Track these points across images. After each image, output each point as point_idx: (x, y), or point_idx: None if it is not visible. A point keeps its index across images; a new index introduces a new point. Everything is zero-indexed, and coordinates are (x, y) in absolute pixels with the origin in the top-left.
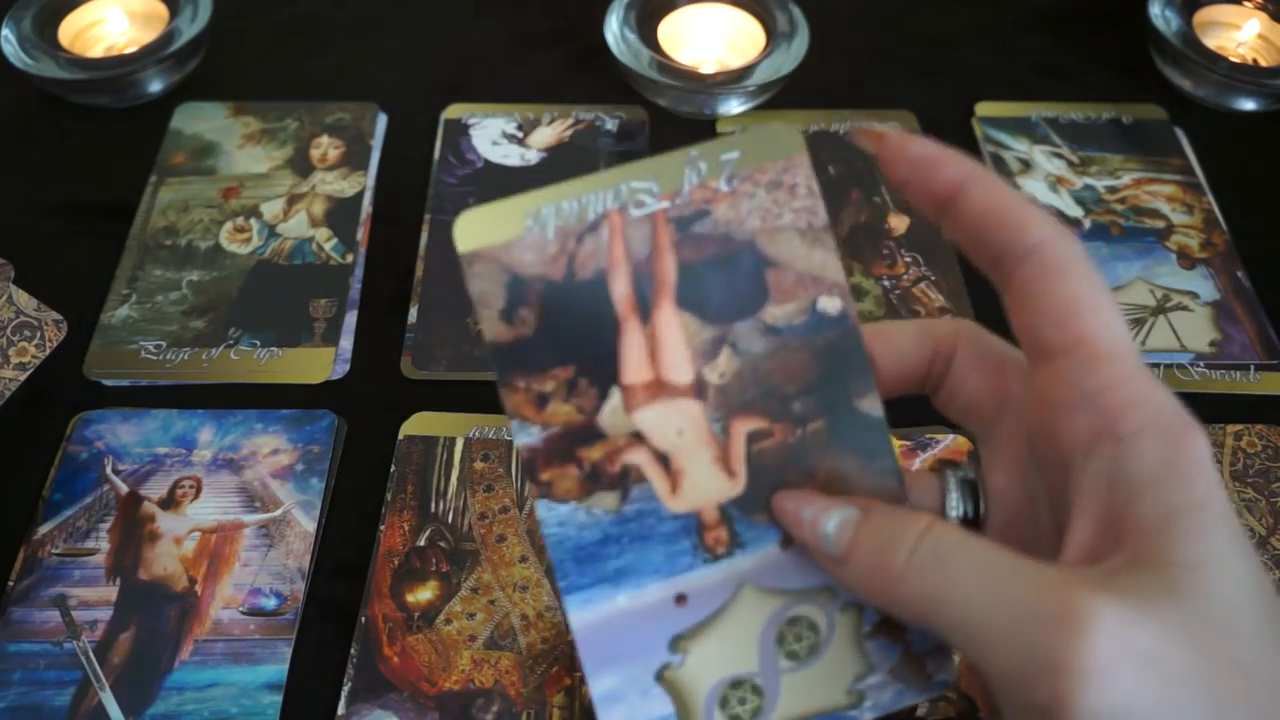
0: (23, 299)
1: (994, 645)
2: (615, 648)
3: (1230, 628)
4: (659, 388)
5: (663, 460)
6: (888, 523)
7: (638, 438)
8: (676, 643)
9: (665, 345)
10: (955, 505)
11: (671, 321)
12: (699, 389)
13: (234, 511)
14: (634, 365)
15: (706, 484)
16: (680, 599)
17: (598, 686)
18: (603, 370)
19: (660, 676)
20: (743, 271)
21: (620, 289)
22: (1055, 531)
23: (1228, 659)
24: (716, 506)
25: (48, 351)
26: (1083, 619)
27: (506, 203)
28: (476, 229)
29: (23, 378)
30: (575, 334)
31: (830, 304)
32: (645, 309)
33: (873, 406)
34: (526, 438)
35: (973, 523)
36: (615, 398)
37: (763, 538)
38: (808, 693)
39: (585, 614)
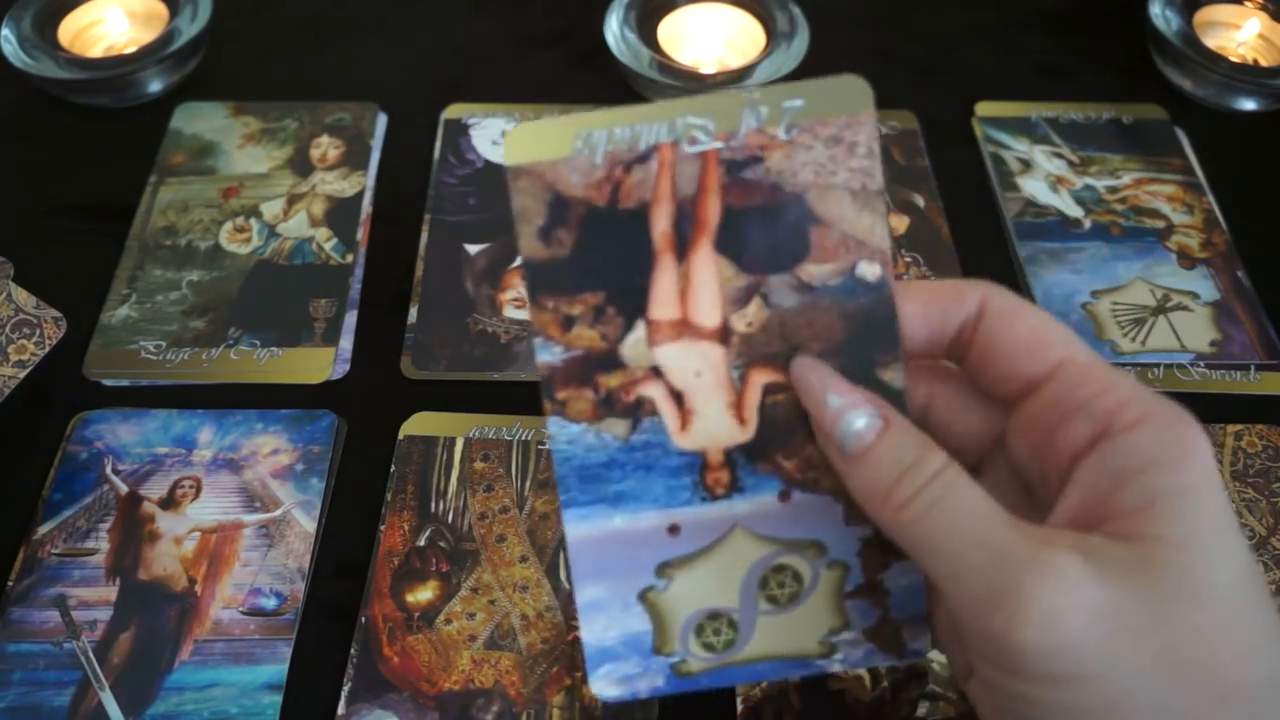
0: (22, 296)
1: (965, 577)
2: (604, 564)
3: (1199, 600)
4: (684, 327)
5: (677, 397)
6: (908, 445)
7: (656, 372)
8: (663, 569)
9: (697, 286)
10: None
11: (707, 264)
12: (724, 335)
13: (234, 511)
14: (663, 301)
15: (716, 427)
16: (673, 529)
17: (582, 596)
18: (632, 301)
19: (643, 596)
20: (787, 224)
21: (661, 224)
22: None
23: (1188, 626)
24: (722, 450)
25: (47, 349)
26: (1047, 565)
27: (560, 120)
28: (526, 144)
29: (22, 375)
30: (609, 261)
31: (870, 270)
32: (683, 248)
33: (894, 379)
34: (548, 356)
35: None
36: (640, 330)
37: (763, 486)
38: (781, 636)
39: (581, 528)
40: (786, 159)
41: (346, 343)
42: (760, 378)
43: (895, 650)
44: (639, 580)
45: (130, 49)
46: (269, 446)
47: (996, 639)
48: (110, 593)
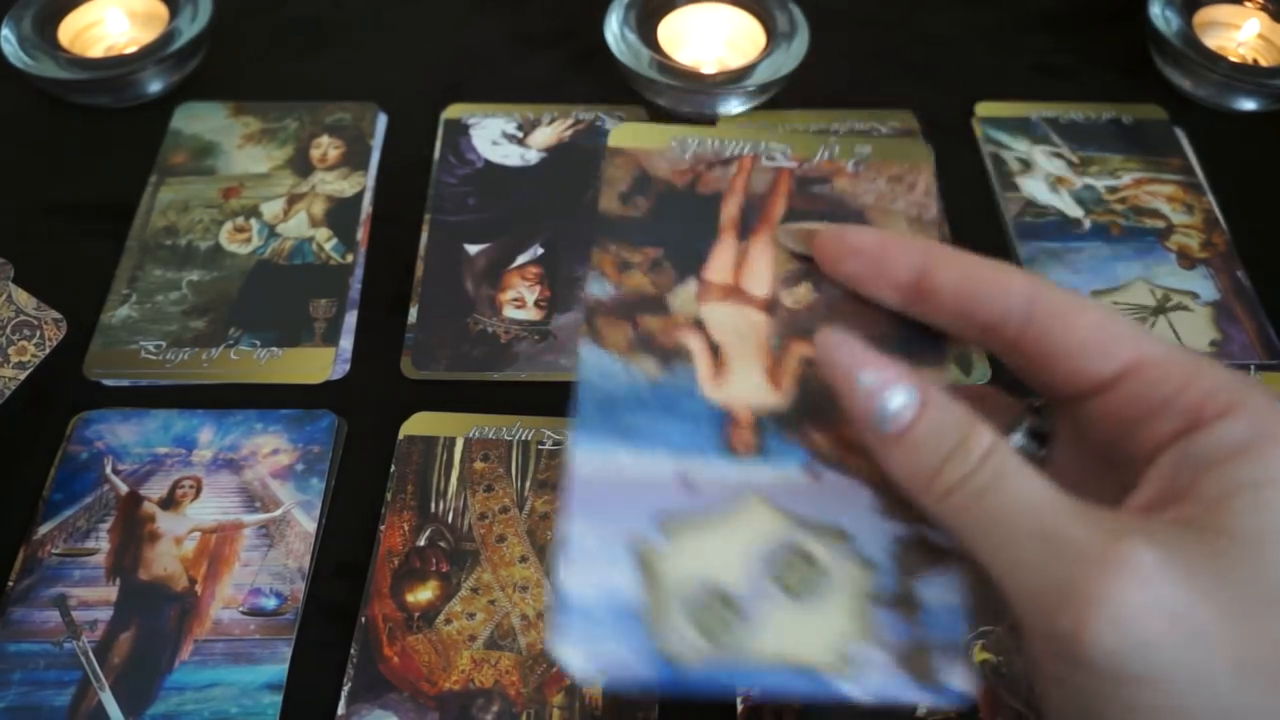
0: (22, 298)
1: (1022, 571)
2: (603, 503)
3: (1274, 601)
4: (734, 292)
5: (714, 350)
6: (951, 424)
7: (698, 325)
8: (666, 525)
9: (753, 261)
10: (1020, 440)
11: (765, 248)
12: (771, 306)
13: (234, 511)
14: (720, 266)
15: (750, 386)
16: (684, 481)
17: (569, 534)
18: (689, 260)
19: (636, 551)
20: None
21: (730, 210)
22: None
23: (1263, 628)
24: (752, 410)
25: (47, 350)
26: (1120, 559)
27: (660, 126)
28: (628, 136)
29: (22, 376)
30: (676, 228)
31: None
32: (745, 232)
33: (937, 377)
34: (598, 290)
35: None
36: (691, 285)
37: (789, 455)
38: (790, 633)
39: (585, 458)
40: (852, 184)
41: (346, 343)
42: (800, 349)
43: (926, 680)
44: (636, 527)
45: (130, 49)
46: (269, 446)
47: (1061, 638)
48: (110, 593)
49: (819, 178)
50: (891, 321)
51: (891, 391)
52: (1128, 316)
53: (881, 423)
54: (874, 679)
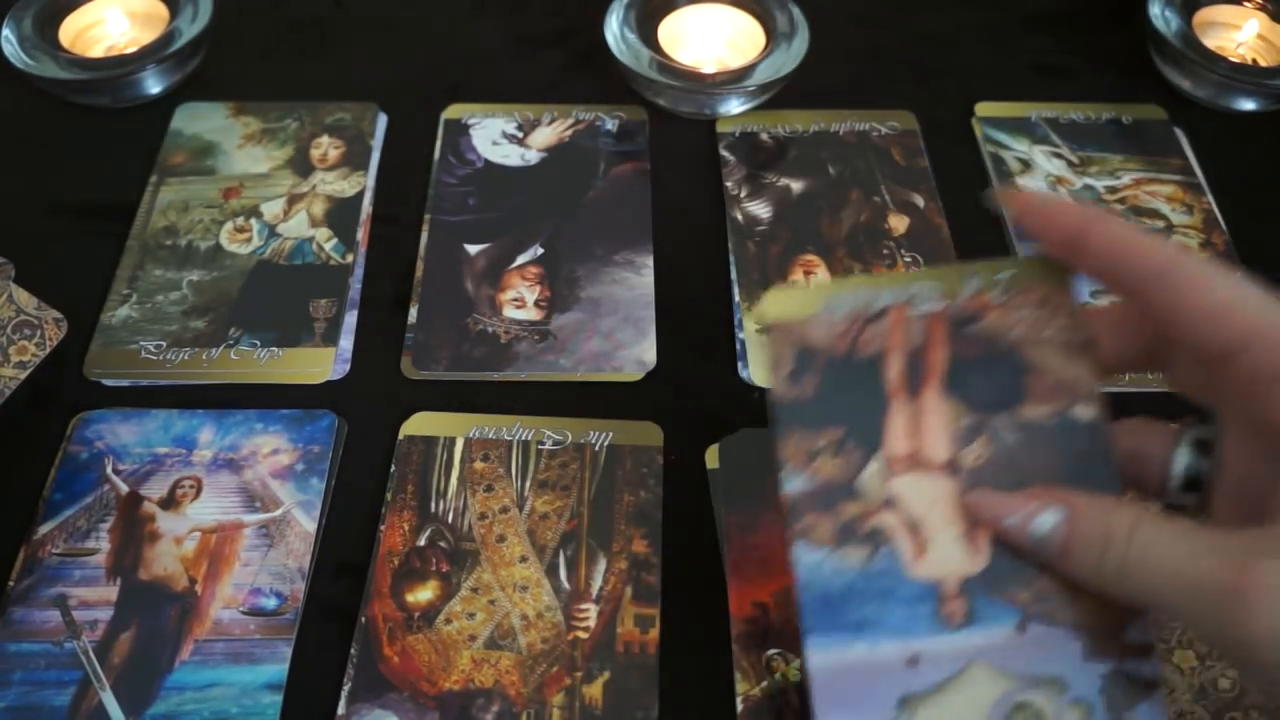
0: (23, 297)
1: (1194, 620)
2: (847, 695)
3: None
4: (916, 461)
5: (911, 528)
6: (1100, 520)
7: (890, 504)
8: (905, 704)
9: (928, 424)
10: (1182, 462)
11: (936, 404)
12: (953, 468)
13: (234, 511)
14: (897, 437)
15: (950, 556)
16: (912, 661)
17: None
18: (868, 437)
19: None
20: (1005, 371)
21: (894, 369)
22: None
23: None
24: (957, 579)
25: (48, 350)
26: (1250, 589)
27: (810, 289)
28: (781, 303)
29: (23, 376)
30: (848, 402)
31: (1085, 412)
32: (914, 390)
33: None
34: (795, 484)
35: (1195, 482)
36: (876, 463)
37: (1000, 616)
38: None
39: (823, 655)
40: (1001, 318)
41: (346, 343)
42: None
43: None
44: (881, 715)
45: (130, 49)
46: (269, 446)
47: (1240, 661)
48: (111, 592)
49: (970, 317)
50: (1065, 464)
51: (1039, 520)
52: (1254, 285)
53: (1044, 547)
54: None
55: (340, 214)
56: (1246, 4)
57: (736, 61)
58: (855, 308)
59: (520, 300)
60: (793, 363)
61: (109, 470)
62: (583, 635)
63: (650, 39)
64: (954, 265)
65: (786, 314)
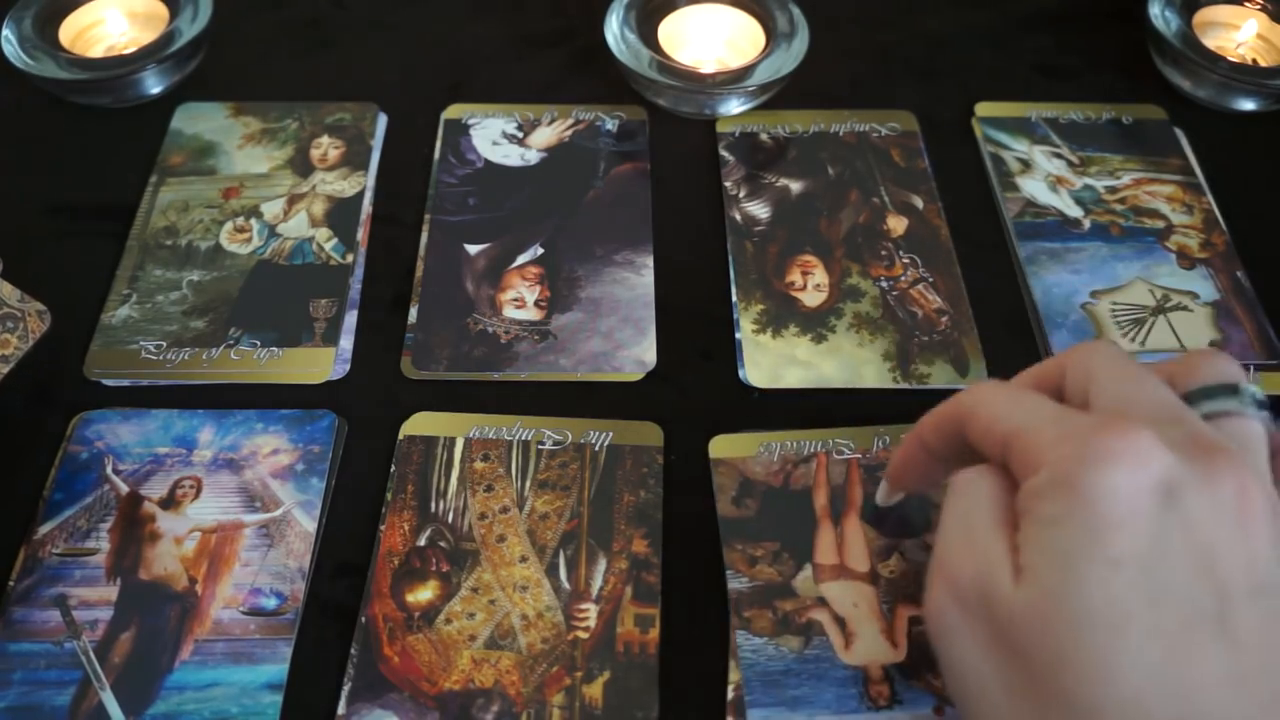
0: (5, 290)
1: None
2: None
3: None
4: (842, 570)
5: (840, 622)
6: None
7: (821, 602)
8: None
9: (850, 542)
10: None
11: (856, 530)
12: (873, 577)
13: (234, 511)
14: (825, 550)
15: (873, 648)
16: None
17: None
18: (801, 550)
19: None
20: (912, 507)
21: (821, 500)
22: None
23: None
24: (881, 666)
25: (30, 343)
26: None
27: (747, 435)
28: (725, 448)
29: (6, 370)
30: (783, 522)
31: None
32: (837, 518)
33: None
34: (737, 584)
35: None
36: (808, 570)
37: (918, 701)
38: None
39: None
40: None
41: (346, 343)
42: (905, 612)
43: None
44: None
45: (130, 49)
46: (269, 446)
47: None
48: (111, 592)
49: (879, 464)
50: None
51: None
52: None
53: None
54: None
55: (340, 214)
56: (1246, 4)
57: (736, 61)
58: (787, 453)
59: (520, 300)
60: (736, 488)
61: (109, 470)
62: (583, 635)
63: (650, 39)
64: (867, 430)
65: (730, 454)
